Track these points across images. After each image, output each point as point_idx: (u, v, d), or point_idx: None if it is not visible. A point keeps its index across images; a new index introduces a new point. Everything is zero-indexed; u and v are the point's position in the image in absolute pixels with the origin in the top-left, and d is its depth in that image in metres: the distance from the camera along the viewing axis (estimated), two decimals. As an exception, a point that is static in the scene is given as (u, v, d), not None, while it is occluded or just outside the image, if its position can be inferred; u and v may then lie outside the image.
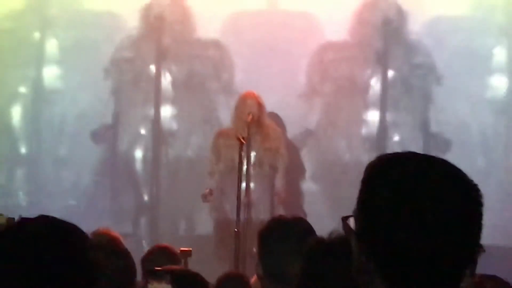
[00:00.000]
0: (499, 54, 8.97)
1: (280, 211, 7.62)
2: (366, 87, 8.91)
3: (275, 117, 8.28)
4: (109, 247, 3.30)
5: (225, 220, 7.52)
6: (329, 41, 8.97)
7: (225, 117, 8.69)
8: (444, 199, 1.55)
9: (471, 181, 1.60)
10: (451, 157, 7.83)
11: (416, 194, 1.55)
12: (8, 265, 1.96)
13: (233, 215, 7.07)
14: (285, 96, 8.99)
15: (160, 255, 5.06)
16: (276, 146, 7.67)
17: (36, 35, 9.24)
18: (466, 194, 1.58)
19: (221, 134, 7.77)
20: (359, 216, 1.61)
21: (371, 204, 1.58)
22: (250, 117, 7.29)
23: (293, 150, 8.46)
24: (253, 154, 7.50)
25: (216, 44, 9.08)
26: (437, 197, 1.55)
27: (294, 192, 8.46)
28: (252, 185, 7.42)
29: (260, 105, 7.57)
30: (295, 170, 8.45)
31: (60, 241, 2.00)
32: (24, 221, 2.07)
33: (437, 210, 1.55)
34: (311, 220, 3.55)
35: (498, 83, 8.94)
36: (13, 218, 6.73)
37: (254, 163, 7.53)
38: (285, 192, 7.88)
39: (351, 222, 1.63)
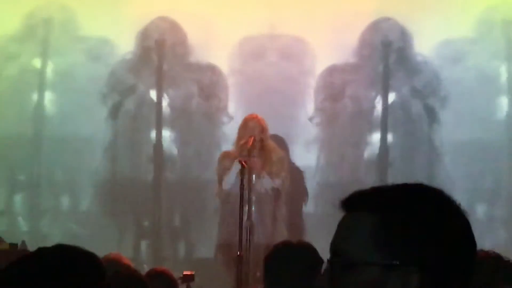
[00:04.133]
0: (503, 75, 8.98)
1: (283, 234, 7.59)
2: (370, 108, 8.91)
3: (278, 139, 8.27)
4: (127, 275, 3.30)
5: (230, 243, 7.47)
6: (334, 64, 8.97)
7: (224, 140, 8.69)
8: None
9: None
10: (457, 178, 7.84)
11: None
12: None
13: (236, 238, 7.04)
14: (289, 119, 9.00)
15: (156, 280, 5.01)
16: (278, 169, 7.65)
17: (36, 61, 9.25)
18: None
19: (226, 156, 7.75)
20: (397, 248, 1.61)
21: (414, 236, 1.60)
22: (251, 141, 7.28)
23: (296, 172, 8.44)
24: (255, 176, 7.48)
25: (212, 68, 9.09)
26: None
27: (296, 215, 8.43)
28: (254, 208, 7.39)
29: (262, 128, 7.57)
30: (298, 193, 8.43)
31: (78, 270, 2.02)
32: (42, 250, 2.09)
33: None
34: (315, 243, 3.52)
35: (503, 104, 8.95)
36: (16, 244, 6.71)
37: (256, 186, 7.50)
38: (286, 215, 7.85)
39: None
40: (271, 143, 7.73)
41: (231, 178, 7.47)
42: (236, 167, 7.29)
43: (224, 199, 7.66)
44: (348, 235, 1.65)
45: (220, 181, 7.65)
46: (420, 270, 1.59)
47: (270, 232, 7.56)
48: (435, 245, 1.59)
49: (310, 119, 8.99)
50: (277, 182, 7.61)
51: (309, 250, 3.46)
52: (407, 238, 1.60)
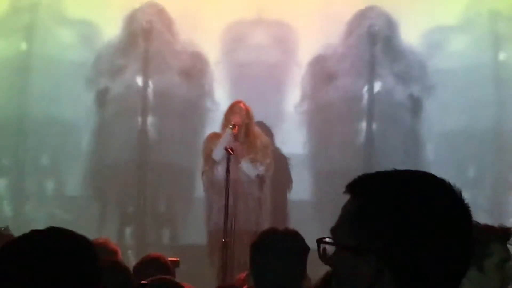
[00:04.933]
0: (489, 64, 9.02)
1: (267, 221, 7.61)
2: (356, 96, 8.93)
3: (263, 126, 8.29)
4: (109, 262, 3.32)
5: (215, 230, 7.48)
6: (321, 51, 8.98)
7: (209, 126, 8.69)
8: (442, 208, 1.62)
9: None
10: (441, 166, 7.88)
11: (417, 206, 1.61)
12: (20, 277, 1.99)
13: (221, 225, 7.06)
14: (274, 106, 9.01)
15: (151, 265, 5.03)
16: (263, 155, 7.66)
17: (21, 44, 9.20)
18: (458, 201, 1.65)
19: (214, 137, 7.74)
20: (364, 231, 1.62)
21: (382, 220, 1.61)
22: (236, 129, 7.30)
23: (280, 159, 8.46)
24: (239, 163, 7.50)
25: (199, 54, 9.08)
26: (436, 207, 1.62)
27: (279, 202, 8.45)
28: (239, 194, 7.41)
29: (248, 113, 7.58)
30: (282, 180, 8.45)
31: (72, 253, 2.04)
32: (35, 232, 2.11)
33: (440, 220, 1.61)
34: (302, 231, 3.54)
35: (488, 93, 8.98)
36: (0, 228, 6.68)
37: (241, 173, 7.52)
38: (269, 201, 7.88)
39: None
40: (256, 129, 7.74)
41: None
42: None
43: (210, 184, 7.66)
44: (339, 218, 1.69)
45: (207, 160, 7.65)
46: (381, 260, 1.60)
47: (254, 218, 7.58)
48: (399, 236, 1.59)
49: (297, 106, 8.99)
50: (262, 169, 7.62)
51: (295, 238, 3.48)
52: (372, 225, 1.61)
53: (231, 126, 7.35)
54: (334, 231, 1.68)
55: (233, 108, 7.60)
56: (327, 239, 1.68)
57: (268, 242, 3.42)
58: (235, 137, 7.35)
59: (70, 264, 2.01)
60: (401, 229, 1.59)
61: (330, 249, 1.68)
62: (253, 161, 7.58)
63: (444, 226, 1.60)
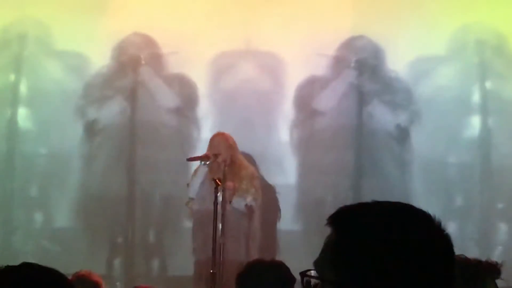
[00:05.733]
0: (475, 94, 9.05)
1: (256, 251, 7.58)
2: (344, 125, 8.94)
3: (250, 156, 8.28)
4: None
5: (203, 261, 7.45)
6: (308, 80, 9.01)
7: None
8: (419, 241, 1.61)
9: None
10: (429, 196, 7.88)
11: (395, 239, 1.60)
12: None
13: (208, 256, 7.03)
14: (262, 136, 9.01)
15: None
16: (247, 185, 7.64)
17: (10, 75, 9.20)
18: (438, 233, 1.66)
19: (193, 173, 7.74)
20: (342, 266, 1.61)
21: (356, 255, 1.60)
22: (215, 157, 7.28)
23: (268, 189, 8.44)
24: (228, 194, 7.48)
25: (187, 84, 9.10)
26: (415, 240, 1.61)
27: (268, 232, 8.43)
28: (227, 225, 7.38)
29: (229, 145, 7.54)
30: (270, 210, 8.42)
31: None
32: (8, 269, 2.06)
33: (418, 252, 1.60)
34: (291, 260, 3.53)
35: (474, 123, 9.01)
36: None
37: (228, 203, 7.49)
38: (258, 232, 7.85)
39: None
40: (240, 159, 7.71)
41: (202, 192, 7.47)
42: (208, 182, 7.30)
43: (196, 215, 7.64)
44: (321, 251, 1.69)
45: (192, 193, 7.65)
46: None
47: (242, 249, 7.55)
48: (375, 271, 1.58)
49: (285, 135, 9.00)
50: (249, 199, 7.60)
51: (281, 269, 3.49)
52: (348, 260, 1.61)
53: (202, 162, 7.36)
54: (316, 264, 1.68)
55: (213, 141, 7.59)
56: (311, 272, 1.67)
57: (254, 273, 3.43)
58: (218, 168, 7.34)
59: None
60: (377, 263, 1.58)
61: (315, 280, 1.68)
62: (238, 191, 7.55)
63: (422, 259, 1.59)
